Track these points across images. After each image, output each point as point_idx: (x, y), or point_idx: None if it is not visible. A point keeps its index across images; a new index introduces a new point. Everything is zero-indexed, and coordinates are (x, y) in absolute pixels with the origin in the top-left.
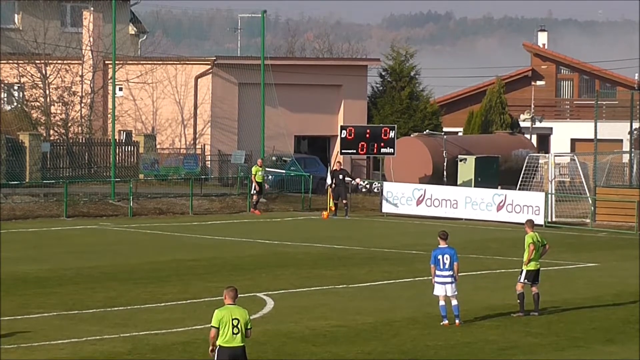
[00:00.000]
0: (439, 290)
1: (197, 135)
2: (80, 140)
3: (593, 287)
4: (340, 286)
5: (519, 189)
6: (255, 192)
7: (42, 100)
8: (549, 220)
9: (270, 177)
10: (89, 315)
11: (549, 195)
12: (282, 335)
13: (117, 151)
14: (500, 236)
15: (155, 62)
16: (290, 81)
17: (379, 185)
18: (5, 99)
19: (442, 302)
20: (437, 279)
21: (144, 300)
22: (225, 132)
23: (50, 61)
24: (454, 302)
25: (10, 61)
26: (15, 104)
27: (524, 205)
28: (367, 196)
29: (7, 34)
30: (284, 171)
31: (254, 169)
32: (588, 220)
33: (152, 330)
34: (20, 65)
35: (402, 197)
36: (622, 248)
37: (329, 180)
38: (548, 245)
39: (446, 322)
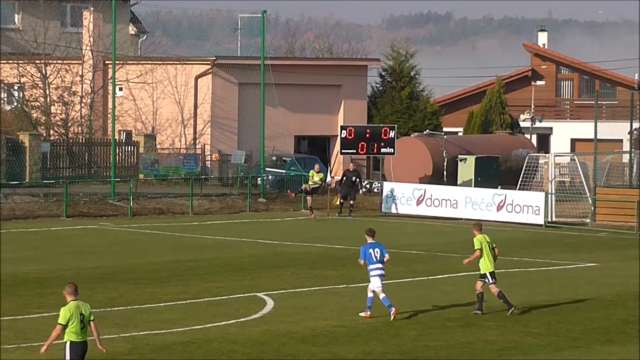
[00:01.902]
0: (376, 283)
1: (197, 135)
2: (80, 140)
3: (593, 287)
4: (340, 286)
5: (519, 189)
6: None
7: (42, 100)
8: (549, 220)
9: (270, 177)
10: None
11: (549, 195)
12: (282, 335)
13: (117, 151)
14: (500, 236)
15: (155, 62)
16: (290, 81)
17: (379, 185)
18: (6, 99)
19: (371, 295)
20: (372, 272)
21: (144, 301)
22: (225, 132)
23: (50, 61)
24: (382, 295)
25: (10, 61)
26: (15, 104)
27: (524, 205)
28: (367, 196)
29: (7, 34)
30: (284, 171)
31: (310, 173)
32: (588, 220)
33: (152, 330)
34: (20, 65)
35: (402, 197)
36: (622, 248)
37: (328, 180)
38: (497, 249)
39: (368, 313)
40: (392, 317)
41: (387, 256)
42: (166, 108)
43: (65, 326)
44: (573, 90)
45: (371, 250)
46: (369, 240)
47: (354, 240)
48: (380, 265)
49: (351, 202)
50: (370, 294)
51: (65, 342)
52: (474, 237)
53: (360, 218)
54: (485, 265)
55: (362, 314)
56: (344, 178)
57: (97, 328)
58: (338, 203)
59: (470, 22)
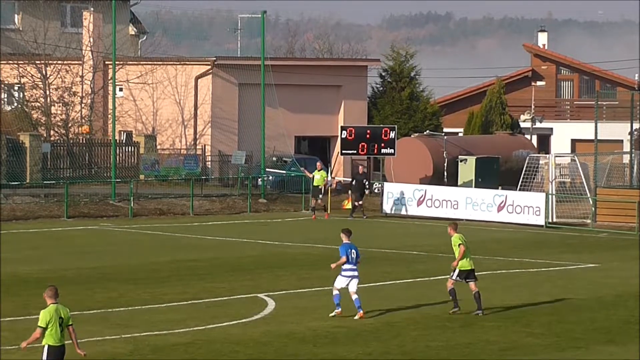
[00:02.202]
0: (341, 283)
1: (197, 136)
2: (81, 141)
3: (594, 288)
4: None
5: (520, 190)
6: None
7: (43, 100)
8: (550, 220)
9: (270, 177)
10: (89, 316)
11: (550, 196)
12: (283, 336)
13: (118, 152)
14: (500, 237)
15: (155, 63)
16: (290, 82)
17: (380, 185)
18: (6, 99)
19: (336, 292)
20: (344, 273)
21: (145, 301)
22: (225, 133)
23: (50, 61)
24: (355, 296)
25: (11, 61)
26: (15, 104)
27: (525, 206)
28: (368, 197)
29: (7, 34)
30: (284, 172)
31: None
32: (589, 221)
33: (153, 331)
34: (20, 65)
35: (402, 197)
36: (622, 249)
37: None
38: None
39: (339, 310)
40: (336, 312)
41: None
42: (166, 108)
43: (45, 329)
44: (573, 91)
45: (350, 251)
46: (345, 240)
47: (354, 240)
48: (354, 267)
49: (359, 203)
50: (335, 292)
51: (43, 345)
52: (451, 236)
53: (360, 219)
54: (461, 263)
55: (334, 313)
56: (354, 181)
57: (75, 332)
58: (350, 206)
59: (470, 22)
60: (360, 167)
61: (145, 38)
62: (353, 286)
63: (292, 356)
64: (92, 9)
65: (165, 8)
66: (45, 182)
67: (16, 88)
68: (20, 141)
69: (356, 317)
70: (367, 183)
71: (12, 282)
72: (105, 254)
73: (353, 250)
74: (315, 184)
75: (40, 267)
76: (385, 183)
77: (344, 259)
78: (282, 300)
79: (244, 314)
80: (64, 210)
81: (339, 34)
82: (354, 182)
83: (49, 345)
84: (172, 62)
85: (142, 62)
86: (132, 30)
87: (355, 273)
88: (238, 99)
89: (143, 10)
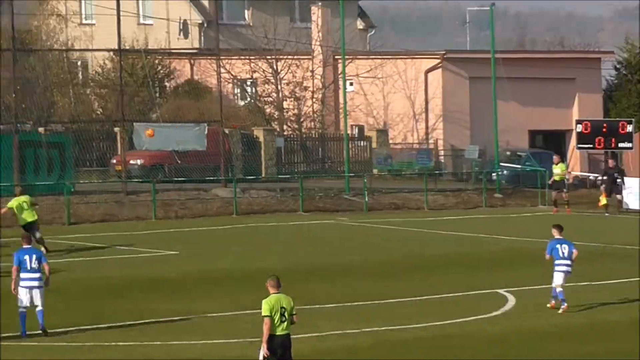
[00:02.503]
0: (559, 279)
1: (429, 130)
2: (314, 135)
3: None
4: (583, 283)
5: None
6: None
7: (275, 95)
8: None
9: (505, 172)
10: (329, 310)
11: None
12: (524, 332)
13: (350, 146)
14: None
15: (384, 57)
16: (521, 75)
17: (620, 181)
18: (239, 94)
19: (559, 289)
20: (558, 268)
21: (382, 295)
22: (457, 127)
23: (280, 56)
24: (559, 289)
25: (242, 57)
26: (248, 99)
27: None
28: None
29: (238, 29)
30: (519, 166)
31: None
32: None
33: (391, 325)
34: (252, 60)
35: None
36: None
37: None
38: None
39: (565, 306)
40: (562, 308)
41: (575, 252)
42: (397, 103)
43: (270, 317)
44: None
45: (558, 246)
46: (557, 235)
47: (598, 236)
48: (567, 262)
49: (617, 196)
50: (559, 289)
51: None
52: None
53: (600, 214)
54: None
55: (560, 311)
56: (606, 175)
57: (295, 323)
58: (605, 202)
59: None
60: (610, 161)
61: (373, 32)
62: (564, 280)
63: (535, 353)
64: (320, 3)
65: (392, 2)
66: (280, 176)
67: (248, 83)
68: (255, 136)
69: (560, 311)
70: (619, 178)
71: (247, 278)
72: (342, 248)
73: (565, 245)
74: (556, 178)
75: (280, 261)
76: (625, 178)
77: (547, 256)
78: (523, 296)
79: (484, 310)
80: (300, 204)
81: (571, 26)
82: (605, 177)
83: (269, 334)
84: (401, 56)
85: (371, 57)
86: (360, 24)
87: (569, 268)
88: (469, 92)
89: (370, 5)
